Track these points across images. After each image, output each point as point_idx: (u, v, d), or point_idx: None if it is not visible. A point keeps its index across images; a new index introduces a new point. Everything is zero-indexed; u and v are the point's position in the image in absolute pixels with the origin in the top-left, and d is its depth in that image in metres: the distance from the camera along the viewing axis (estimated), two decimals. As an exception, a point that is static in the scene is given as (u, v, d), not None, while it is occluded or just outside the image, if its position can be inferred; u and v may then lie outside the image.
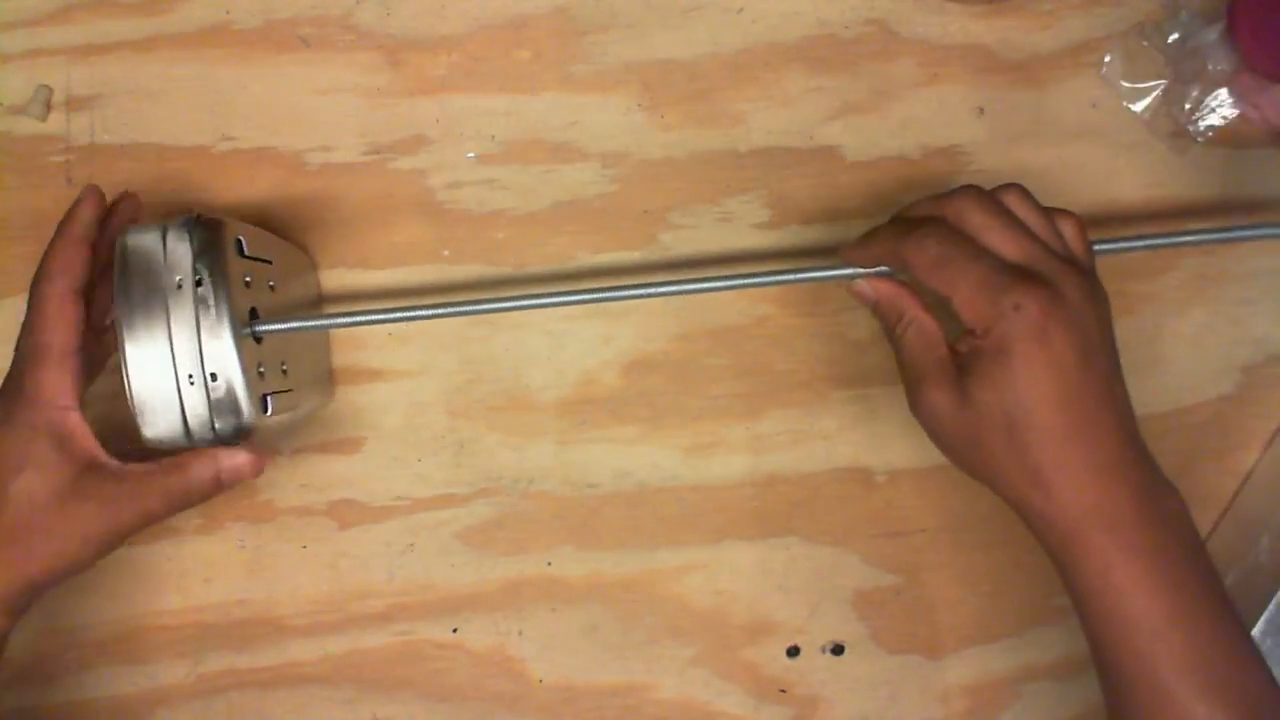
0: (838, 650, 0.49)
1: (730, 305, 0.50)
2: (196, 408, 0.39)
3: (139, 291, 0.39)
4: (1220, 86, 0.48)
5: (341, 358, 0.50)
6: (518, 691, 0.49)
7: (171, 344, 0.39)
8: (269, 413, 0.41)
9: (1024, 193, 0.39)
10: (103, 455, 0.39)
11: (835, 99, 0.50)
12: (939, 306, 0.39)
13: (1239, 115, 0.48)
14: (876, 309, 0.42)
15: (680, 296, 0.50)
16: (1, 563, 0.38)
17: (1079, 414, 0.36)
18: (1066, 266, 0.37)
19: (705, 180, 0.50)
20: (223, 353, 0.39)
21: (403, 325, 0.49)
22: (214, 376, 0.39)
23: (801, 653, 0.49)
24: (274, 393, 0.41)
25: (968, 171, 0.50)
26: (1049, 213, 0.39)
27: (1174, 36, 0.49)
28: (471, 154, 0.50)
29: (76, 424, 0.39)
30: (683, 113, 0.50)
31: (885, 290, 0.41)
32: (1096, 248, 0.40)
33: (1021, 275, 0.36)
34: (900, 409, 0.49)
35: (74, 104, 0.50)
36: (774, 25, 0.50)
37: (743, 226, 0.50)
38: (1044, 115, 0.50)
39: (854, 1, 0.50)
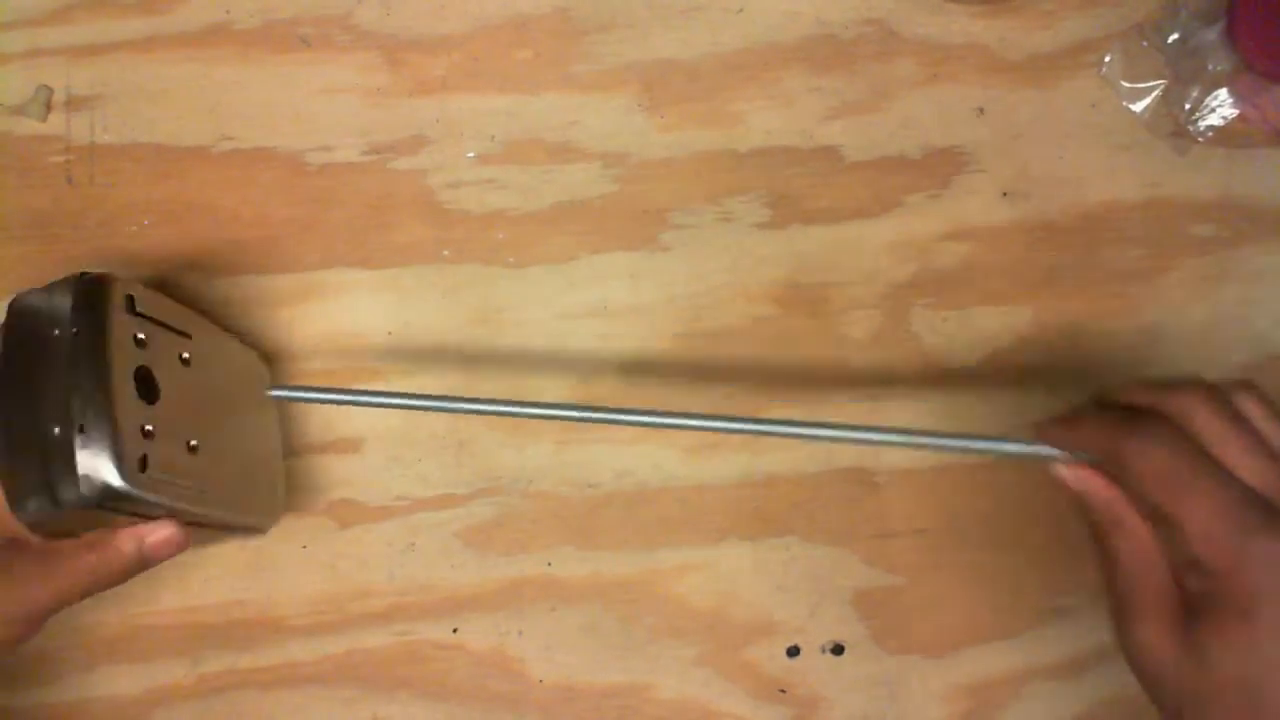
0: (838, 650, 0.49)
1: (730, 305, 0.50)
2: (63, 461, 0.35)
3: (14, 346, 0.37)
4: (1220, 86, 0.48)
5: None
6: (518, 691, 0.49)
7: (42, 395, 0.36)
8: (146, 472, 0.36)
9: (1263, 397, 0.33)
10: (23, 532, 0.36)
11: (835, 99, 0.50)
12: (1155, 518, 0.33)
13: (1239, 115, 0.48)
14: (1085, 504, 0.35)
15: (681, 296, 0.50)
16: None
17: None
18: None
19: (705, 180, 0.50)
20: (91, 403, 0.35)
21: (402, 324, 0.49)
22: (82, 429, 0.35)
23: (801, 653, 0.49)
24: (168, 465, 0.37)
25: (968, 172, 0.50)
26: None
27: (1174, 36, 0.49)
28: (471, 154, 0.50)
29: None
30: (683, 113, 0.50)
31: (1099, 489, 0.34)
32: None
33: (1274, 515, 0.31)
34: (900, 410, 0.49)
35: (74, 104, 0.50)
36: (774, 25, 0.50)
37: (743, 226, 0.50)
38: (1044, 115, 0.50)
39: (854, 1, 0.50)
